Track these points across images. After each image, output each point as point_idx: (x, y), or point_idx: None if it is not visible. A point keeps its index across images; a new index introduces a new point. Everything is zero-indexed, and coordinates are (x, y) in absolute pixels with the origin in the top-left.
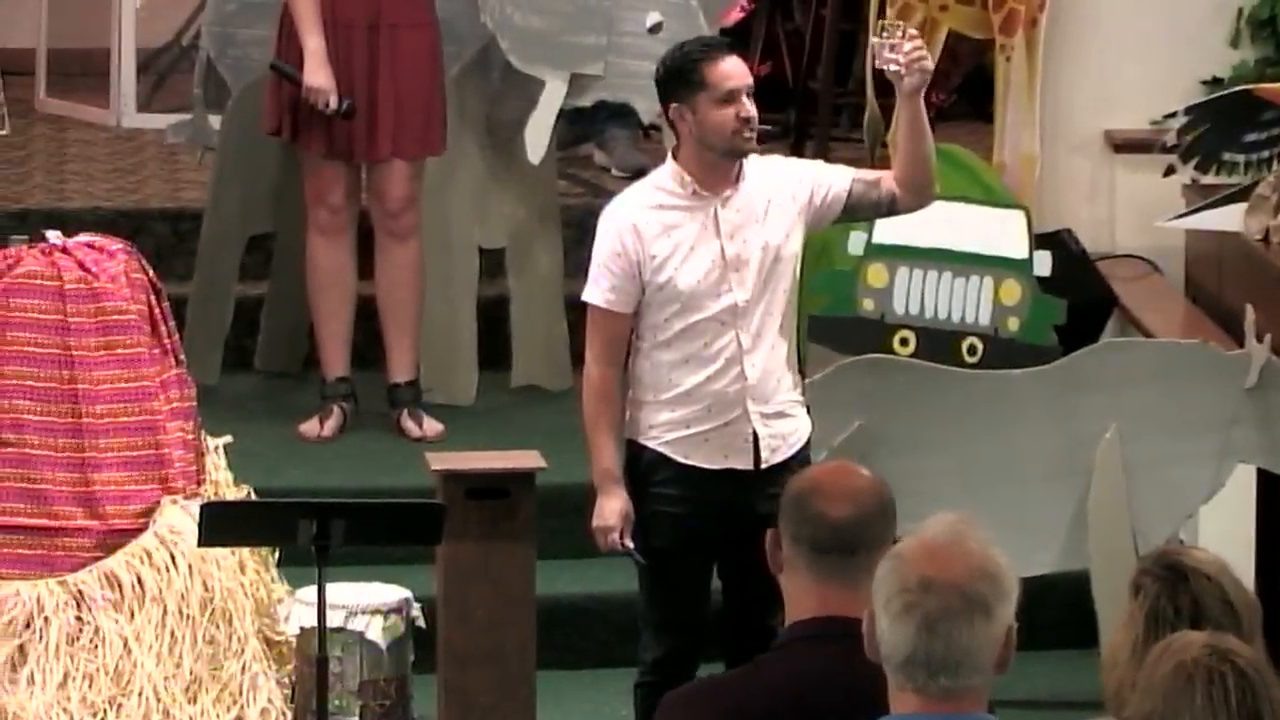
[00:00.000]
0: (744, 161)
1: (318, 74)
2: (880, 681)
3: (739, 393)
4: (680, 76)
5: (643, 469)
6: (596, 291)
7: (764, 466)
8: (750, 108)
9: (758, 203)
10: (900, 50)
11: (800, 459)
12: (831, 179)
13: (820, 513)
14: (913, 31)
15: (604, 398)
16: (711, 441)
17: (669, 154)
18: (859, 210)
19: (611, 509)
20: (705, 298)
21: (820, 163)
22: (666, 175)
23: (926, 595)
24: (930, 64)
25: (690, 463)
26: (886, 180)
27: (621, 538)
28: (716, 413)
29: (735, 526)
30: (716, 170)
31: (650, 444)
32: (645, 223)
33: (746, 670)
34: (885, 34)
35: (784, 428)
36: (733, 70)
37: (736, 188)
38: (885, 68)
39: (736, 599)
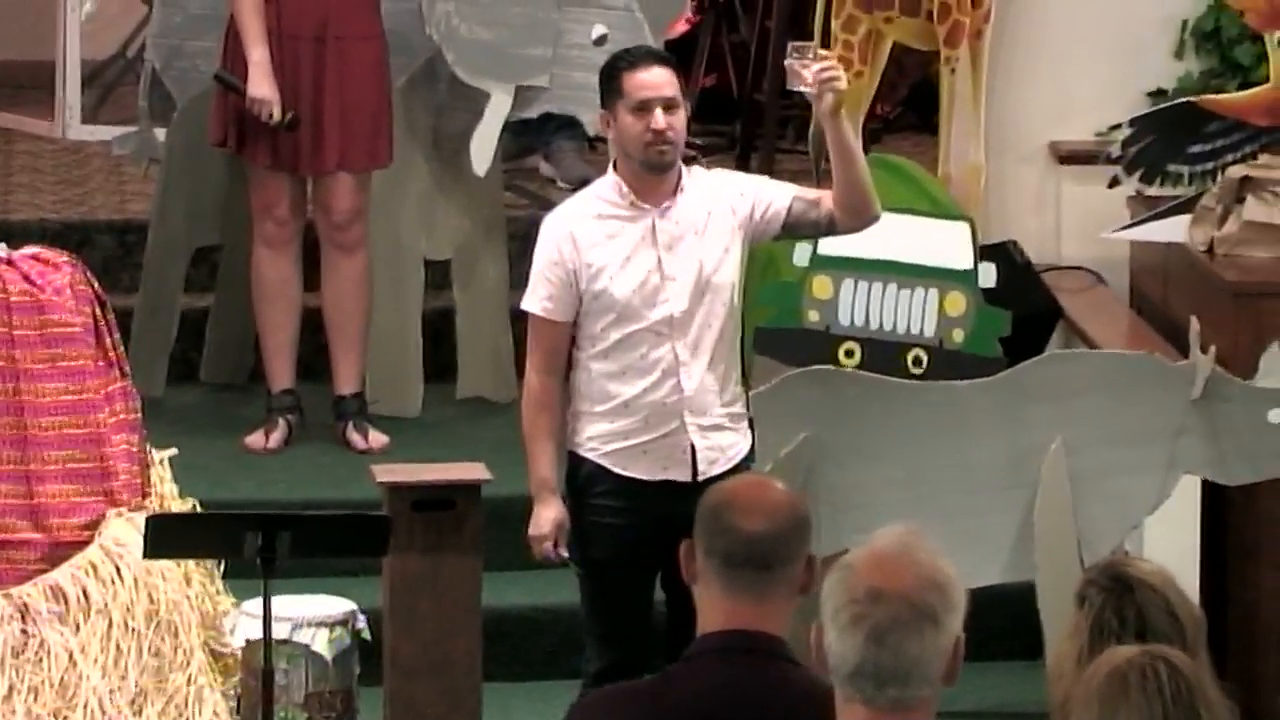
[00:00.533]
0: (684, 174)
1: (261, 85)
2: (790, 694)
3: (676, 404)
4: (606, 83)
5: (581, 480)
6: (534, 300)
7: (701, 479)
8: (661, 120)
9: (697, 215)
10: (809, 70)
11: (739, 472)
12: (772, 195)
13: (734, 526)
14: (823, 51)
15: (542, 407)
16: (650, 453)
17: (610, 164)
18: (798, 229)
19: (546, 517)
20: (641, 308)
21: (764, 179)
22: (607, 185)
23: (875, 606)
24: (843, 84)
25: (628, 474)
26: (827, 200)
27: (555, 546)
28: (654, 424)
29: (675, 538)
30: (647, 181)
31: (589, 455)
32: (583, 232)
33: (655, 681)
34: (796, 55)
35: (722, 440)
36: (648, 81)
37: (675, 200)
38: (797, 89)
39: (679, 611)
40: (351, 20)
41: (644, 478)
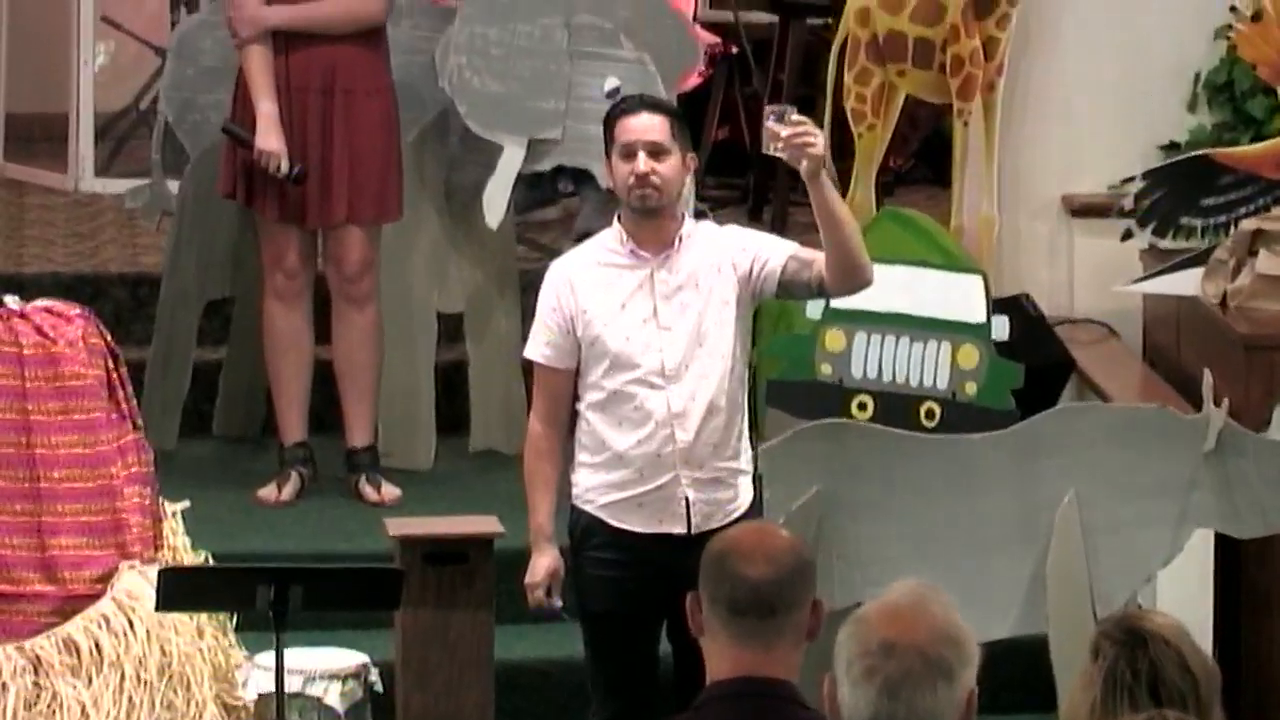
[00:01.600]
0: (687, 225)
1: (269, 137)
2: None
3: (670, 456)
4: (604, 130)
5: (580, 532)
6: (535, 346)
7: (696, 532)
8: (643, 164)
9: (698, 268)
10: (784, 133)
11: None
12: (770, 253)
13: (738, 573)
14: (799, 117)
15: (541, 455)
16: (645, 506)
17: (617, 215)
18: (792, 289)
19: (541, 566)
20: (635, 357)
21: (770, 236)
22: (611, 233)
23: (888, 659)
24: (819, 149)
25: (624, 526)
26: (820, 262)
27: (548, 595)
28: (648, 476)
29: (674, 590)
30: (644, 228)
31: (586, 507)
32: (582, 279)
33: None
34: (773, 117)
35: (720, 495)
36: (634, 125)
37: (677, 250)
38: (773, 152)
39: (686, 663)
40: (359, 73)
41: (639, 530)
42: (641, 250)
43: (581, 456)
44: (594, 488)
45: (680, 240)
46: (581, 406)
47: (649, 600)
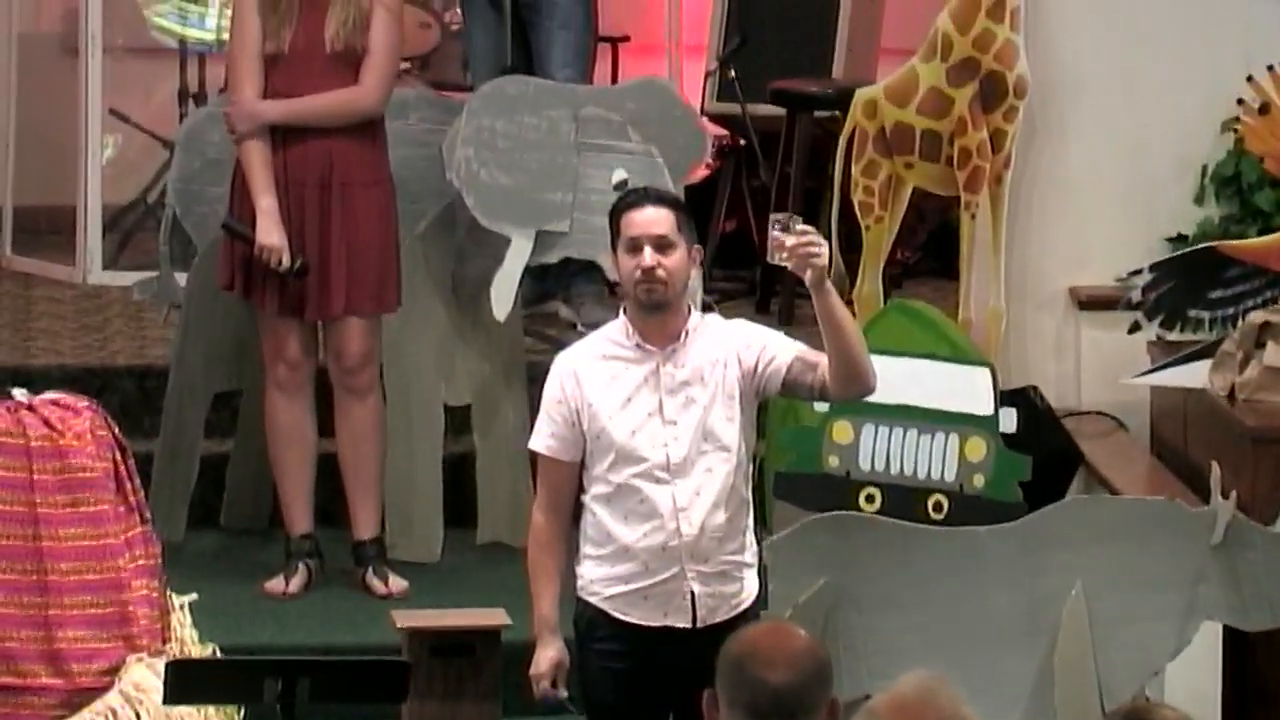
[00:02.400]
0: (693, 319)
1: (271, 233)
2: None
3: (675, 550)
4: (610, 225)
5: (585, 625)
6: (539, 438)
7: (700, 625)
8: (648, 258)
9: (704, 362)
10: (789, 242)
11: (745, 620)
12: (776, 351)
13: (758, 679)
14: (804, 226)
15: (544, 545)
16: (650, 599)
17: (622, 306)
18: (795, 390)
19: (545, 657)
20: (640, 451)
21: (778, 334)
22: (616, 326)
23: None
24: (824, 259)
25: (629, 619)
26: (824, 366)
27: (554, 686)
28: (653, 569)
29: (678, 683)
30: (650, 322)
31: (591, 599)
32: (588, 372)
33: None
34: (778, 226)
35: (725, 588)
36: (639, 219)
37: (683, 344)
38: (777, 261)
39: None
40: (356, 166)
41: (644, 623)
42: (647, 344)
43: (587, 549)
44: (599, 580)
45: (687, 334)
46: (586, 499)
47: (653, 694)
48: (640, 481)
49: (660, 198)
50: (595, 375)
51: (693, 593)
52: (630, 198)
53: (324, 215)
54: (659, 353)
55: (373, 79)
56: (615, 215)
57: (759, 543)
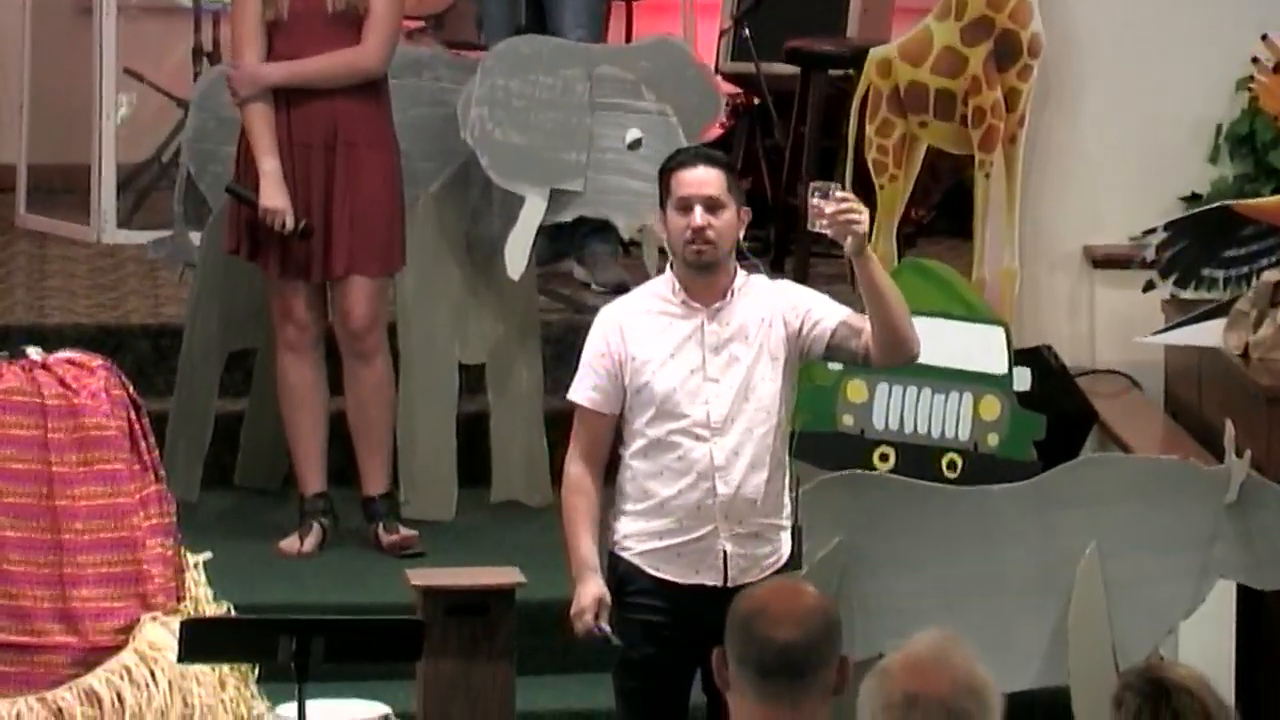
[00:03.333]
0: (739, 278)
1: (274, 195)
2: None
3: (710, 508)
4: (660, 183)
5: (618, 579)
6: (581, 390)
7: (732, 585)
8: (699, 218)
9: (749, 321)
10: (830, 209)
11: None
12: (822, 314)
13: (766, 636)
14: (845, 194)
15: (580, 491)
16: (683, 556)
17: (669, 263)
18: (838, 354)
19: (588, 593)
20: (681, 407)
21: (823, 297)
22: (663, 282)
23: (911, 711)
24: (864, 226)
25: (661, 575)
26: (868, 332)
27: (596, 620)
28: (688, 527)
29: (708, 641)
30: (697, 280)
31: (624, 554)
32: (632, 325)
33: None
34: (818, 193)
35: (758, 549)
36: (690, 178)
37: (729, 302)
38: (817, 229)
39: (717, 714)
40: (361, 126)
41: (676, 580)
42: (693, 301)
43: (623, 504)
44: (632, 534)
45: (732, 293)
46: (625, 453)
47: (683, 649)
48: (679, 437)
49: (711, 158)
50: (640, 329)
51: (726, 551)
52: (680, 157)
53: (329, 176)
54: (704, 310)
55: (374, 39)
56: (665, 174)
57: (794, 504)
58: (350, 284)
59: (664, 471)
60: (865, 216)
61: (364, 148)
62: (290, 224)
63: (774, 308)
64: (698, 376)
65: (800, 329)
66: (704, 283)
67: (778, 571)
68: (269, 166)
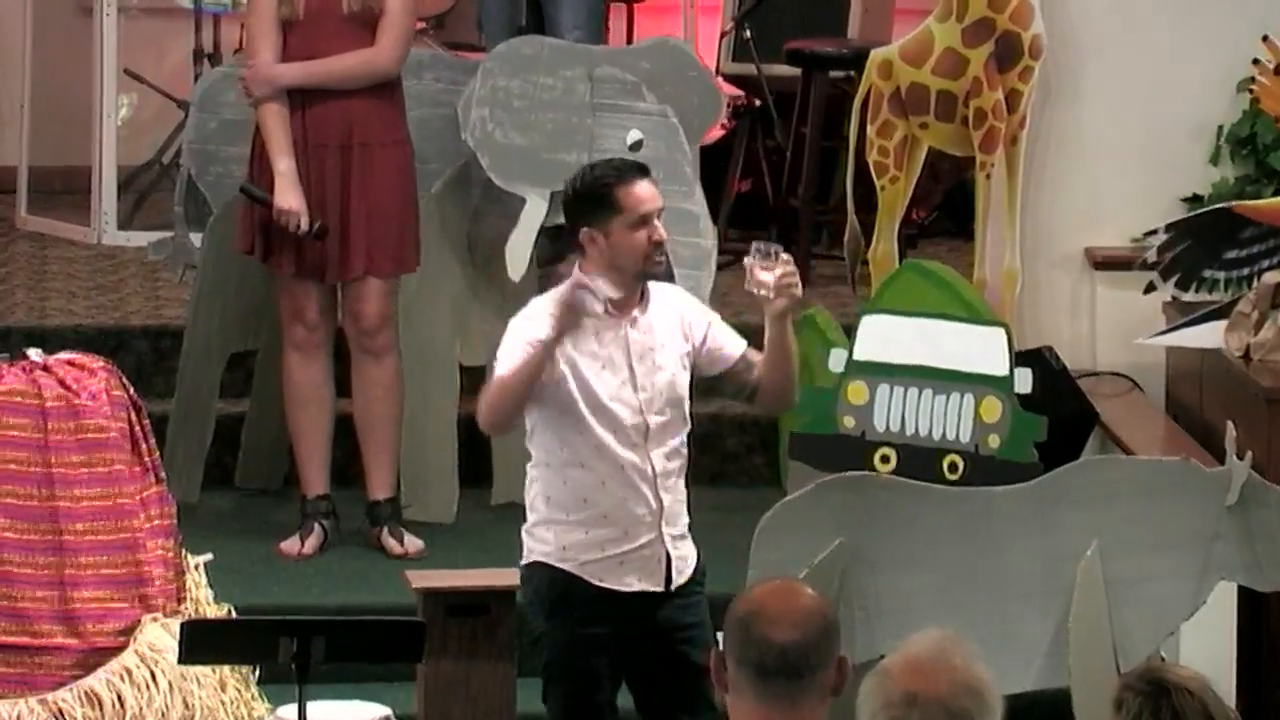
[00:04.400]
0: (648, 285)
1: (288, 196)
2: None
3: (655, 515)
4: (592, 200)
5: (559, 591)
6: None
7: (672, 588)
8: (661, 231)
9: (661, 328)
10: (769, 272)
11: (699, 579)
12: (725, 342)
13: (765, 637)
14: (785, 256)
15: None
16: (625, 564)
17: (575, 270)
18: (727, 382)
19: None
20: (618, 415)
21: (720, 321)
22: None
23: (911, 710)
24: (799, 291)
25: (604, 585)
26: (757, 374)
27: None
28: (633, 535)
29: (654, 645)
30: (623, 291)
31: (564, 566)
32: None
33: None
34: (759, 256)
35: (687, 550)
36: (645, 194)
37: (644, 309)
38: (753, 289)
39: (655, 707)
40: (376, 126)
41: (619, 589)
42: (613, 310)
43: (554, 514)
44: (572, 546)
45: (645, 297)
46: (554, 462)
47: (623, 655)
48: (619, 447)
49: (642, 169)
50: (577, 333)
51: (668, 555)
52: (619, 171)
53: (344, 177)
54: (624, 318)
55: (389, 39)
56: (607, 189)
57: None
58: (363, 283)
59: (605, 481)
60: (799, 283)
61: (379, 148)
62: (305, 225)
63: (680, 316)
64: (628, 386)
65: (703, 343)
66: (630, 292)
67: (697, 570)
68: (284, 167)
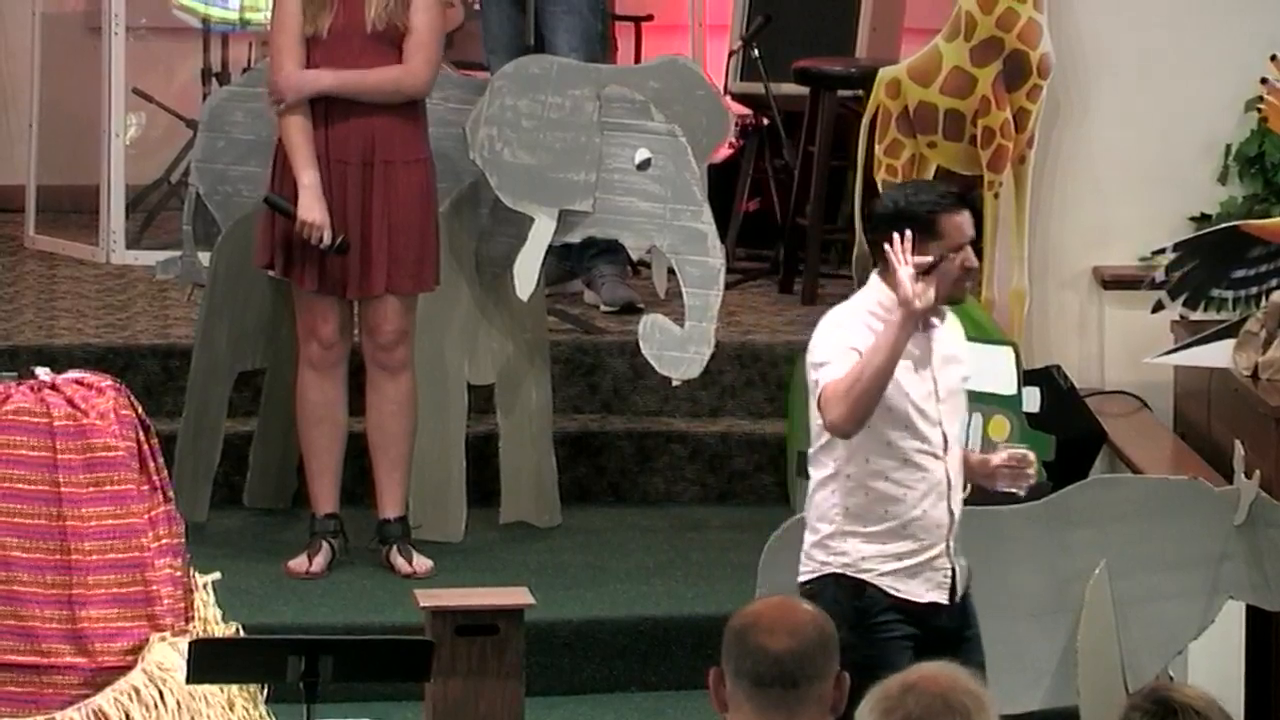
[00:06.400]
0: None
1: (313, 209)
2: None
3: (945, 528)
4: (915, 219)
5: (864, 603)
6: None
7: (955, 601)
8: (974, 259)
9: (950, 344)
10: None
11: (969, 587)
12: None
13: (760, 646)
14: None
15: None
16: (918, 576)
17: (876, 279)
18: None
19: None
20: (924, 427)
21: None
22: (879, 299)
23: (908, 695)
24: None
25: (902, 595)
26: None
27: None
28: (926, 546)
29: (932, 653)
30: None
31: (864, 577)
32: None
33: None
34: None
35: (965, 562)
36: (963, 223)
37: (942, 324)
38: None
39: None
40: (398, 145)
41: (914, 599)
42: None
43: (852, 525)
44: (872, 557)
45: (943, 317)
46: (855, 472)
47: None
48: (923, 458)
49: (965, 200)
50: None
51: (954, 569)
52: (946, 200)
53: (366, 193)
54: (923, 332)
55: (420, 59)
56: (933, 216)
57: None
58: (382, 300)
59: (908, 493)
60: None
61: (401, 165)
62: (328, 239)
63: (958, 337)
64: (932, 397)
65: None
66: (939, 315)
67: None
68: (308, 180)
